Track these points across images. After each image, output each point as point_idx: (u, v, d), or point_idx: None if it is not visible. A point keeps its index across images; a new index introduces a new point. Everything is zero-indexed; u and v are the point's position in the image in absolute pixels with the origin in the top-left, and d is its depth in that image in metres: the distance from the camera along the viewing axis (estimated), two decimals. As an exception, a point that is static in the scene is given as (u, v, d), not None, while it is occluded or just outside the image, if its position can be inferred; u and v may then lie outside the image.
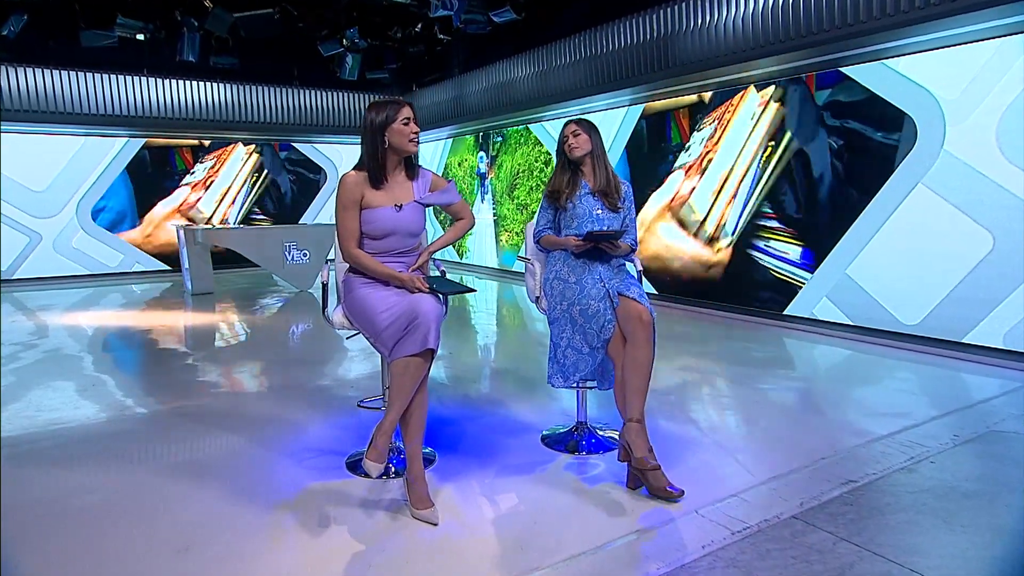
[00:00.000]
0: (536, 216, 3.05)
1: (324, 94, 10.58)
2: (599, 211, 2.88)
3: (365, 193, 2.54)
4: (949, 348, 4.57)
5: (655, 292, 6.87)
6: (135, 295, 8.40)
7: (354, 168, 2.60)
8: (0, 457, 2.99)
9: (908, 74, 4.72)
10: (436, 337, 2.33)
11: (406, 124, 2.52)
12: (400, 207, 2.57)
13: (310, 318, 6.82)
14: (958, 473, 2.70)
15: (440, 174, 7.98)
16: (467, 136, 10.08)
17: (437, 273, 2.83)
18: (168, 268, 9.92)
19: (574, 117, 3.12)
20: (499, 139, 9.36)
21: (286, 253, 7.97)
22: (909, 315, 4.82)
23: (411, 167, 2.65)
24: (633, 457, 2.49)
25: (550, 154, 8.43)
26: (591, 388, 3.00)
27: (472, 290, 2.86)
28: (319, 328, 6.32)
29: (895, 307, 4.90)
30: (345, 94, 10.74)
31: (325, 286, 2.79)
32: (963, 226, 4.46)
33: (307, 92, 10.46)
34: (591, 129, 2.95)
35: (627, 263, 3.00)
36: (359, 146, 2.61)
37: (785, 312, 5.67)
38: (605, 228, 2.85)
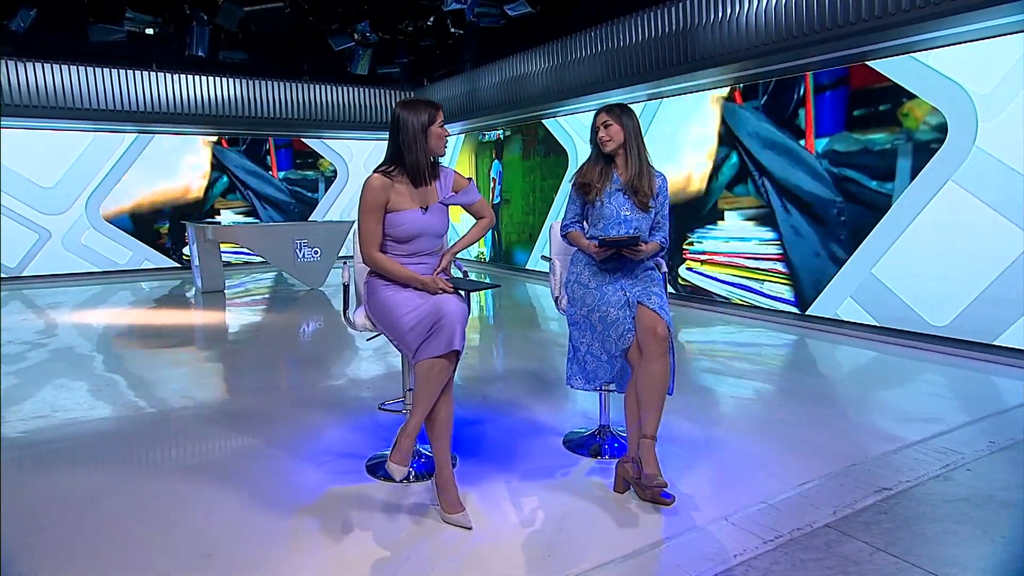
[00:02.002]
0: (564, 209, 2.93)
1: (334, 89, 10.50)
2: (627, 212, 2.73)
3: (391, 196, 2.48)
4: (980, 350, 4.46)
5: (674, 291, 6.79)
6: (145, 293, 8.37)
7: (379, 170, 2.51)
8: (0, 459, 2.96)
9: (938, 68, 4.61)
10: (461, 338, 2.29)
11: (442, 127, 2.52)
12: (426, 209, 2.51)
13: (321, 316, 6.78)
14: (995, 481, 2.62)
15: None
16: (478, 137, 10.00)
17: (459, 274, 2.77)
18: (177, 265, 9.89)
19: (606, 103, 2.89)
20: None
21: (296, 250, 7.92)
22: (938, 316, 4.71)
23: (434, 167, 2.60)
24: (644, 473, 2.41)
25: (564, 150, 8.35)
26: (612, 391, 2.93)
27: (496, 286, 2.78)
28: (331, 327, 6.27)
29: (923, 308, 4.79)
30: (356, 89, 10.66)
31: (346, 287, 2.73)
32: (995, 224, 4.34)
33: (317, 87, 10.39)
34: (623, 116, 2.73)
35: (654, 266, 2.88)
36: (387, 144, 2.55)
37: (807, 312, 5.57)
38: (631, 230, 2.72)
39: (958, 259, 4.56)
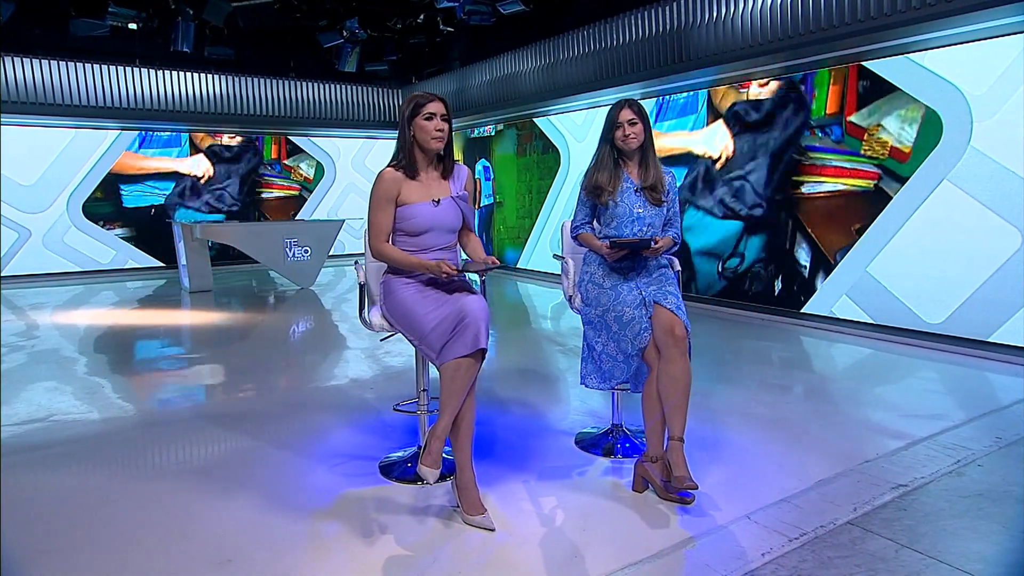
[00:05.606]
0: (574, 210, 2.91)
1: (322, 86, 10.37)
2: (640, 209, 2.70)
3: (402, 189, 2.45)
4: (974, 347, 4.52)
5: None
6: (130, 293, 8.19)
7: (391, 163, 2.51)
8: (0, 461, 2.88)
9: (934, 69, 4.67)
10: (486, 336, 2.26)
11: (428, 119, 2.42)
12: (438, 202, 2.48)
13: (312, 316, 6.69)
14: (1009, 477, 2.64)
15: None
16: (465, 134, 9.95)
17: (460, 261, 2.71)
18: (162, 265, 9.71)
19: (627, 98, 2.77)
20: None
21: (286, 250, 7.80)
22: (933, 314, 4.76)
23: (446, 164, 2.56)
24: (674, 475, 2.40)
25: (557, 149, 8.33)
26: (625, 390, 2.91)
27: (497, 263, 2.68)
28: (323, 327, 6.20)
29: (918, 306, 4.84)
30: (344, 86, 10.55)
31: (362, 286, 2.68)
32: (990, 223, 4.41)
33: (304, 84, 10.25)
34: (644, 114, 2.69)
35: (668, 263, 2.85)
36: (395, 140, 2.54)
37: (803, 310, 5.61)
38: (644, 227, 2.71)
39: (953, 257, 4.62)
